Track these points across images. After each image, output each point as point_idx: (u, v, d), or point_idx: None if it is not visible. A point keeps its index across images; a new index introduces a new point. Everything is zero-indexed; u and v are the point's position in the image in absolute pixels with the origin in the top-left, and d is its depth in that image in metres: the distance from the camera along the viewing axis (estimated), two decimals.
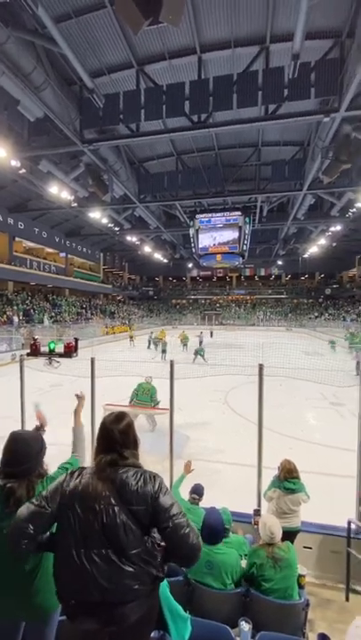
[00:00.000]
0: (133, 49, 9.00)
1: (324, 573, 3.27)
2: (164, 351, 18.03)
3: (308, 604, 2.19)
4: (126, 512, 1.22)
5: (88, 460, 1.94)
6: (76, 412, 2.25)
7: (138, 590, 1.19)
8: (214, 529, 2.23)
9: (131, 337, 25.34)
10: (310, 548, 3.28)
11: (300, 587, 2.28)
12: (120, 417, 1.43)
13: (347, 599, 2.97)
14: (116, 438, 1.35)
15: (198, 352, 16.51)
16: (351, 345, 18.44)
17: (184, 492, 3.17)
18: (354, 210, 16.95)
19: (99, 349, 18.90)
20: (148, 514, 1.25)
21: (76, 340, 3.06)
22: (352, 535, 3.04)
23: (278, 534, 2.25)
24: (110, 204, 16.68)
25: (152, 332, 23.98)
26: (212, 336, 27.79)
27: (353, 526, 3.06)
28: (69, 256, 29.95)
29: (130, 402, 7.22)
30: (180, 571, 2.22)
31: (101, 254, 35.92)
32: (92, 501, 1.22)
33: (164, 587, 1.42)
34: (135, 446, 1.41)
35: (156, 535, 1.29)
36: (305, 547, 3.24)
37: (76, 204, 16.41)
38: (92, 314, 30.65)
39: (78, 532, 1.22)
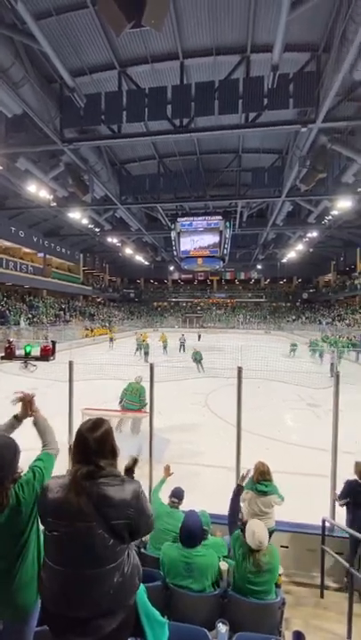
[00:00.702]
0: (116, 50, 8.97)
1: (300, 571, 3.34)
2: (146, 353, 17.98)
3: (284, 603, 2.23)
4: (105, 527, 1.19)
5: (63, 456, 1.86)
6: (31, 407, 1.90)
7: (114, 602, 1.19)
8: (193, 532, 2.23)
9: (111, 339, 25.08)
10: (287, 547, 3.34)
11: (277, 585, 2.31)
12: (97, 424, 1.36)
13: (321, 596, 3.04)
14: (92, 447, 1.29)
15: (197, 359, 14.69)
16: (311, 348, 18.67)
17: (164, 496, 3.15)
18: (330, 217, 17.60)
19: (78, 352, 18.55)
20: (127, 525, 1.24)
21: (54, 342, 2.98)
22: (326, 533, 3.13)
23: (266, 543, 2.23)
24: (91, 205, 16.45)
25: (140, 335, 23.66)
26: (200, 339, 27.83)
27: (327, 524, 3.15)
28: (48, 256, 29.26)
29: (120, 402, 7.27)
30: (157, 576, 2.20)
31: (81, 255, 35.32)
32: (69, 519, 1.19)
33: (142, 593, 1.41)
34: (113, 455, 1.35)
35: (134, 547, 1.30)
36: (282, 546, 3.30)
37: (55, 204, 16.07)
38: (70, 316, 30.03)
39: (56, 548, 1.21)
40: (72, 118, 9.38)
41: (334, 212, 16.52)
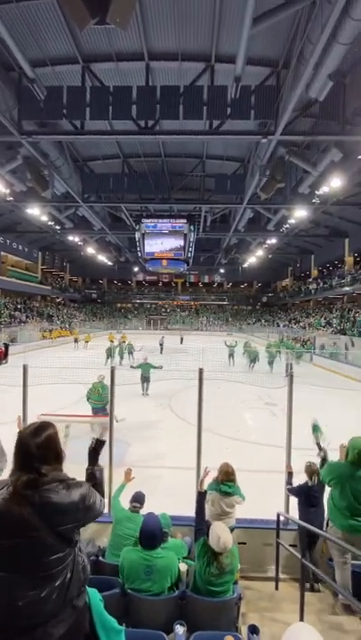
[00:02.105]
0: (79, 45, 8.74)
1: (256, 566, 3.45)
2: (121, 357, 17.57)
3: (240, 598, 2.29)
4: (51, 534, 1.16)
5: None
6: None
7: (60, 604, 1.17)
8: (152, 533, 2.22)
9: (76, 339, 25.15)
10: (245, 544, 3.43)
11: (234, 582, 2.37)
12: (40, 428, 1.30)
13: (276, 588, 3.17)
14: (33, 453, 1.23)
15: (145, 376, 10.68)
16: (245, 349, 17.51)
17: (125, 501, 3.10)
18: (287, 226, 18.53)
19: (34, 355, 17.66)
20: (75, 527, 1.23)
21: (7, 345, 2.82)
22: (281, 527, 3.26)
23: (230, 546, 2.24)
24: (51, 202, 15.82)
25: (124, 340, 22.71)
26: (182, 342, 27.72)
27: (282, 518, 3.30)
28: (3, 253, 27.55)
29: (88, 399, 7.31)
30: (115, 583, 2.16)
31: (40, 253, 33.72)
32: (12, 529, 1.13)
33: (97, 602, 1.38)
34: (58, 460, 1.30)
35: (82, 550, 1.28)
36: (240, 542, 3.39)
37: (12, 199, 15.22)
38: (27, 317, 28.52)
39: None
40: (31, 110, 8.96)
41: (291, 221, 17.44)
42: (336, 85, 7.70)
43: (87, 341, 24.99)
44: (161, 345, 21.91)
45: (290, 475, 3.47)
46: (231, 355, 16.95)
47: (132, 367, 10.50)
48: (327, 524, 3.05)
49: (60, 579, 1.18)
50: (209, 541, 2.25)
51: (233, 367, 16.10)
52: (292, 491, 3.38)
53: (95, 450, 1.79)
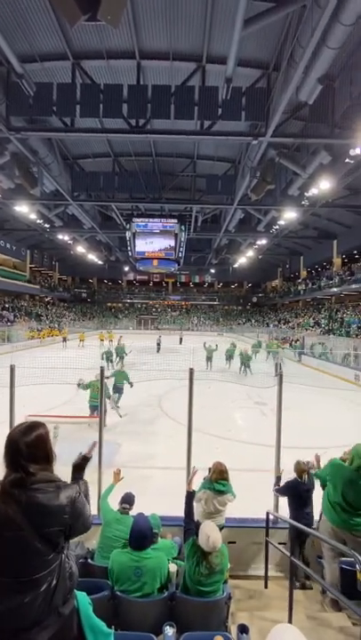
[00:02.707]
0: (69, 41, 8.63)
1: (246, 565, 3.47)
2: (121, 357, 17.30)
3: (230, 598, 2.29)
4: (35, 535, 1.14)
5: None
6: None
7: (44, 610, 1.15)
8: (142, 534, 2.20)
9: (64, 338, 25.12)
10: (234, 543, 3.44)
11: (224, 582, 2.37)
12: (31, 427, 1.28)
13: (266, 586, 3.19)
14: (22, 452, 1.21)
15: (117, 386, 8.87)
16: (228, 350, 17.04)
17: (114, 502, 3.07)
18: (277, 227, 18.71)
19: (22, 355, 17.40)
20: (61, 532, 1.21)
21: None
22: (270, 525, 3.29)
23: (219, 545, 2.23)
24: (40, 199, 15.58)
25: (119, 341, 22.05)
26: (181, 342, 27.64)
27: (271, 517, 3.32)
28: None
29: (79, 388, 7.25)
30: (105, 586, 2.14)
31: (28, 252, 33.19)
32: None
33: (86, 605, 1.36)
34: (47, 461, 1.28)
35: (71, 558, 1.26)
36: (230, 542, 3.40)
37: None
38: (14, 316, 28.05)
39: None
40: (20, 106, 8.83)
41: (281, 222, 17.61)
42: (325, 89, 7.80)
43: (81, 340, 24.80)
44: (158, 344, 21.88)
45: (278, 479, 3.48)
46: (209, 358, 15.94)
47: (107, 377, 8.70)
48: (320, 517, 3.09)
49: (45, 584, 1.16)
50: (198, 541, 2.24)
51: (210, 370, 15.12)
52: (280, 490, 3.40)
53: (80, 466, 1.63)
